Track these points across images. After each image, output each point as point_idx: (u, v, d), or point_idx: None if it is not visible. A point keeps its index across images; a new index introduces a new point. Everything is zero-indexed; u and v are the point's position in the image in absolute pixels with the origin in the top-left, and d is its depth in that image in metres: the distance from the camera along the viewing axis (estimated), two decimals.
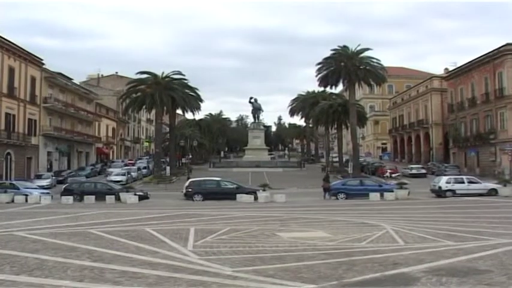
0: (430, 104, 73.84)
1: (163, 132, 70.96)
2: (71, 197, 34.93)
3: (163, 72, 58.71)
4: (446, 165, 59.57)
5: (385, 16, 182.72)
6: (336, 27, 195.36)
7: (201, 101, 66.01)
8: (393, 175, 52.67)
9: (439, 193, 36.03)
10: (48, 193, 37.33)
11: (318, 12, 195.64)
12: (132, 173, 54.72)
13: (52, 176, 50.48)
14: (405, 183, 38.53)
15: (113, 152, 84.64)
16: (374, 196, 34.10)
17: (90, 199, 34.34)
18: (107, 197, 34.74)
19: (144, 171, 60.95)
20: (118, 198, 34.79)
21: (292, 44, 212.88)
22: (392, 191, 35.31)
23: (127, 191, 35.69)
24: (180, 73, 59.73)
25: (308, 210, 27.43)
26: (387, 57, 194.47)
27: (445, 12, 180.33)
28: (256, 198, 34.42)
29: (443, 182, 36.75)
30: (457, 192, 35.74)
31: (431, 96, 73.43)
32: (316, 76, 58.49)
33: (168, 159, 65.24)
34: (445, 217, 22.67)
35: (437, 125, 72.29)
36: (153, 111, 66.76)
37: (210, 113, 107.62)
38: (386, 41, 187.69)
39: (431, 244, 14.71)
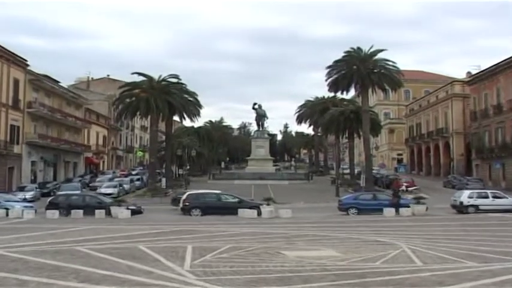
0: (450, 111, 73.77)
1: (159, 140, 70.99)
2: (57, 211, 34.83)
3: (160, 76, 58.95)
4: (468, 178, 59.39)
5: (400, 15, 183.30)
6: (345, 27, 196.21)
7: (200, 106, 66.07)
8: (410, 189, 52.53)
9: (461, 209, 35.88)
10: (31, 207, 37.20)
11: (326, 11, 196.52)
12: (125, 185, 54.68)
13: (36, 188, 50.40)
14: (423, 198, 38.41)
15: (103, 162, 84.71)
16: (388, 212, 33.97)
17: (77, 213, 34.24)
18: (97, 211, 34.64)
19: (138, 183, 60.95)
20: (108, 213, 34.72)
21: (299, 46, 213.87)
22: (408, 206, 35.19)
23: (118, 205, 35.62)
24: (177, 76, 59.95)
25: (316, 226, 27.37)
26: (403, 60, 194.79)
27: (467, 10, 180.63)
28: (259, 214, 34.34)
29: (465, 196, 36.59)
30: (481, 208, 35.57)
31: (452, 103, 73.37)
32: (326, 80, 58.59)
33: (163, 170, 65.20)
34: (467, 235, 22.56)
35: (459, 134, 72.16)
36: (148, 118, 66.82)
37: (210, 120, 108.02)
38: (402, 42, 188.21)
39: (452, 265, 14.62)
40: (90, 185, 57.43)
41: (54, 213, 34.48)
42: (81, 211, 34.52)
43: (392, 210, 34.18)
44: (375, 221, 30.49)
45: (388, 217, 32.89)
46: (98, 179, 60.75)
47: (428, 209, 35.58)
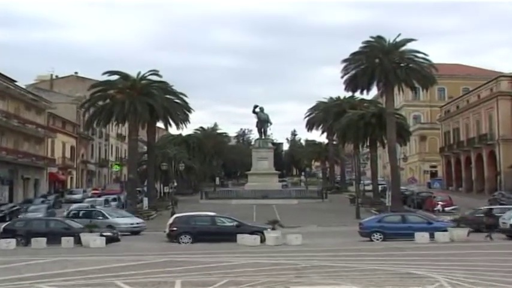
0: (496, 112, 73.71)
1: (140, 152, 70.89)
2: (13, 240, 34.69)
3: (138, 73, 58.99)
4: None
5: None
6: (363, 13, 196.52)
7: (190, 110, 66.21)
8: (447, 209, 52.48)
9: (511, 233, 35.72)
10: None
11: None
12: (98, 207, 54.59)
13: None
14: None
15: (71, 178, 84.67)
16: (421, 237, 33.85)
17: (39, 242, 34.08)
18: (63, 239, 34.51)
19: (114, 204, 60.86)
20: (78, 241, 34.63)
21: (308, 36, 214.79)
22: (446, 230, 35.02)
23: (90, 232, 35.52)
24: (160, 74, 59.99)
25: (332, 255, 27.28)
26: (437, 51, 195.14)
27: None
28: (263, 240, 34.25)
29: None
30: None
31: (498, 102, 73.32)
32: (342, 77, 58.75)
33: (145, 188, 65.17)
34: None
35: (507, 142, 72.04)
36: (126, 125, 66.85)
37: (202, 127, 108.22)
38: (435, 30, 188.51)
39: None
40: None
41: (9, 243, 34.21)
42: (43, 239, 34.34)
43: (426, 235, 34.00)
44: (404, 249, 30.43)
45: (421, 244, 32.75)
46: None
47: (470, 233, 35.42)
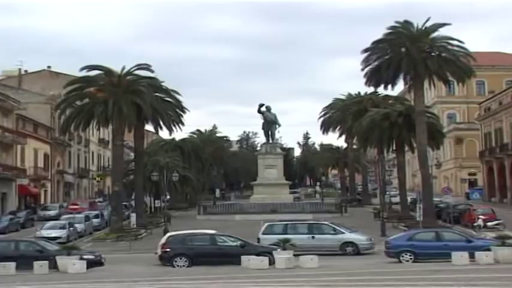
0: None
1: (126, 160, 70.86)
2: None
3: (123, 67, 58.94)
4: None
5: None
6: None
7: (184, 111, 66.19)
8: (489, 224, 52.28)
9: None
10: None
11: None
12: (77, 225, 54.59)
13: None
14: (510, 237, 38.07)
15: (45, 191, 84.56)
16: (459, 257, 33.74)
17: (7, 268, 34.02)
18: (36, 263, 34.49)
19: (96, 221, 60.83)
20: (54, 266, 34.62)
21: (321, 22, 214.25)
22: (488, 250, 34.87)
23: (68, 254, 35.51)
24: (149, 68, 59.90)
25: (355, 280, 27.37)
26: (474, 38, 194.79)
27: None
28: (272, 262, 34.18)
29: None
30: None
31: None
32: (362, 70, 58.73)
33: (133, 203, 65.08)
34: None
35: None
36: (109, 128, 66.82)
37: (198, 130, 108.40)
38: (471, 12, 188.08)
39: None
40: None
41: None
42: (12, 264, 34.31)
43: (465, 255, 33.86)
44: (439, 271, 30.24)
45: (459, 265, 32.64)
46: None
47: None
